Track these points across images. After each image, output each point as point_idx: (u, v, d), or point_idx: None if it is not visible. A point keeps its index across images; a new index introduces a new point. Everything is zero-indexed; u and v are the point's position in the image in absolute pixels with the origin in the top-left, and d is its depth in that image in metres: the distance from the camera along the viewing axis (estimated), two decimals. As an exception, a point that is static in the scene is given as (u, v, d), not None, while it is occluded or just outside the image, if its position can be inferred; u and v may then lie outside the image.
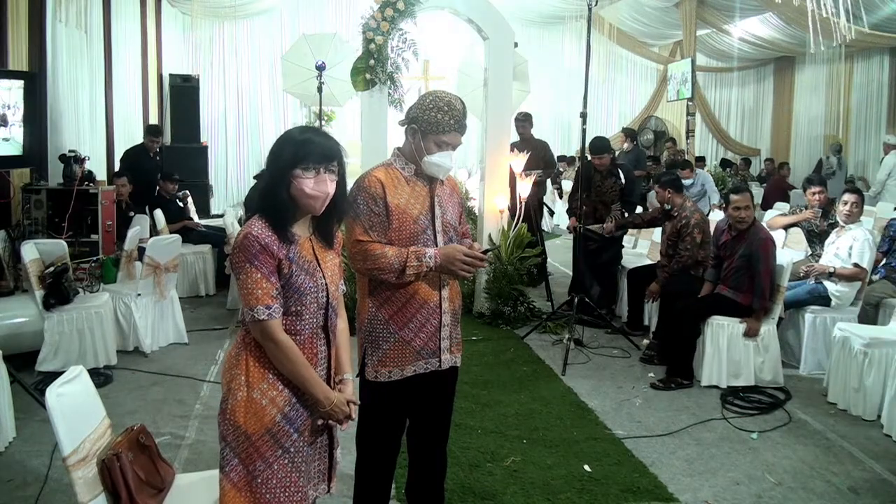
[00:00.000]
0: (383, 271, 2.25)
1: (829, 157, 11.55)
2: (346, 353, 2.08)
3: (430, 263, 2.26)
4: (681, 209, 5.04)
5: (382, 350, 2.33)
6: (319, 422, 1.95)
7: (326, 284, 1.92)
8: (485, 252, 2.36)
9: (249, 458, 1.82)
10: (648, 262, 5.65)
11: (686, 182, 8.33)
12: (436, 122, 2.28)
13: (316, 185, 1.83)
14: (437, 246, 2.34)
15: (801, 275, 4.79)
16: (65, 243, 4.58)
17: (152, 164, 7.38)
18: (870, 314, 4.76)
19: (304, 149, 1.83)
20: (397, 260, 2.24)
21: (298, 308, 1.85)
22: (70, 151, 5.74)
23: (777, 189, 10.77)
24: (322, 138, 1.88)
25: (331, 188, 1.86)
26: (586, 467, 3.29)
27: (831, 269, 4.59)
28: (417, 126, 2.31)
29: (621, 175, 5.81)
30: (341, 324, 2.05)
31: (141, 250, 5.06)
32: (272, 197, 1.84)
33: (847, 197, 4.65)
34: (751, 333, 4.31)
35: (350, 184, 2.12)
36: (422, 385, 2.40)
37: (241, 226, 1.82)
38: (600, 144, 5.76)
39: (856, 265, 4.52)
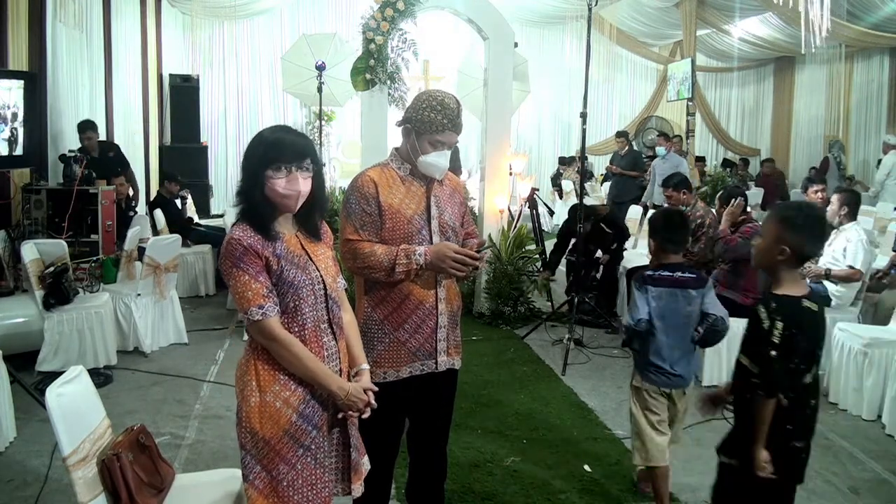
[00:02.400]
0: (373, 269, 2.25)
1: (839, 156, 11.51)
2: (357, 345, 2.06)
3: (420, 261, 2.24)
4: (694, 209, 5.02)
5: (377, 351, 2.32)
6: (340, 415, 1.92)
7: (322, 277, 1.90)
8: (478, 250, 2.33)
9: (272, 462, 1.82)
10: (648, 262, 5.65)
11: (660, 150, 8.33)
12: (429, 121, 2.27)
13: (288, 185, 1.82)
14: None
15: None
16: (65, 243, 4.58)
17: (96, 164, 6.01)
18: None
19: (274, 149, 1.83)
20: (387, 258, 2.23)
21: (296, 303, 1.84)
22: (70, 151, 5.73)
23: (771, 188, 10.77)
24: (293, 136, 1.87)
25: (304, 186, 1.84)
26: (586, 467, 3.29)
27: (826, 271, 4.59)
28: (412, 126, 2.30)
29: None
30: (347, 316, 2.03)
31: (141, 250, 5.07)
32: (248, 198, 1.83)
33: (832, 198, 4.72)
34: None
35: (346, 183, 2.11)
36: (419, 386, 2.39)
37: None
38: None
39: (850, 267, 4.53)
